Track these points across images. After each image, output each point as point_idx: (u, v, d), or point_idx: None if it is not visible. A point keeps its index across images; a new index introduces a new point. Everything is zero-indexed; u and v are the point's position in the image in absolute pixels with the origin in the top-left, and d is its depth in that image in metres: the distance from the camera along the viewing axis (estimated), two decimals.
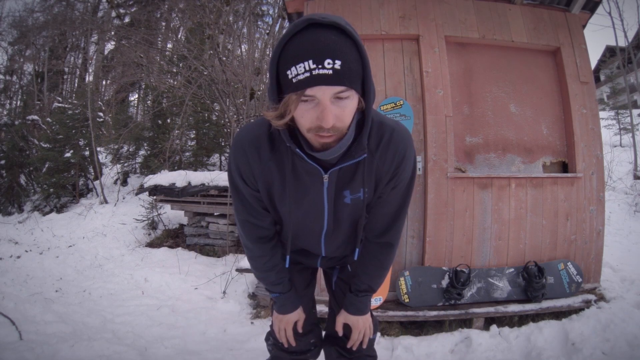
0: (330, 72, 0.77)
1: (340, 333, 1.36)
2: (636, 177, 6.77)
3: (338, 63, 0.78)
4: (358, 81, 0.83)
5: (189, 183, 4.83)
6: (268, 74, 0.87)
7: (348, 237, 1.25)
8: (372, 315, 1.41)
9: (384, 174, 1.06)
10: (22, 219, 6.86)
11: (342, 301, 1.37)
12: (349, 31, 0.82)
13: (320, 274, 1.64)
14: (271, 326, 1.48)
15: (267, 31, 10.40)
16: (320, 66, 0.77)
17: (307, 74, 0.77)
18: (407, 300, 2.68)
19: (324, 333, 1.58)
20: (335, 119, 0.83)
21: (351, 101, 0.84)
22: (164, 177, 5.02)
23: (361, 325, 1.33)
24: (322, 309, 2.56)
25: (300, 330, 1.38)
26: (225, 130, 7.31)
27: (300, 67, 0.78)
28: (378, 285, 1.31)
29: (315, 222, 1.17)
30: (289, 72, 0.80)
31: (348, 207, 1.12)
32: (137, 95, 12.78)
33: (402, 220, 1.20)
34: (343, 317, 1.34)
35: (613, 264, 3.55)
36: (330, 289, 1.52)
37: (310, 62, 0.77)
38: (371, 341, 1.43)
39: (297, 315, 1.37)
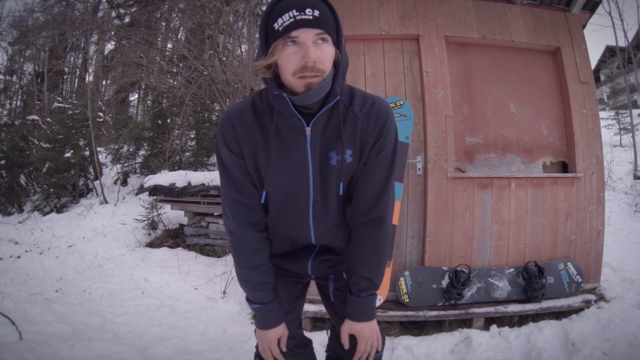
0: (311, 17, 0.92)
1: (347, 346, 1.21)
2: (636, 177, 6.77)
3: (317, 12, 0.92)
4: (333, 32, 0.96)
5: (189, 183, 4.83)
6: (257, 35, 0.99)
7: (337, 215, 1.17)
8: (379, 327, 1.27)
9: (369, 135, 1.09)
10: (22, 219, 6.86)
11: (343, 311, 1.24)
12: None
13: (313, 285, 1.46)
14: (257, 347, 1.29)
15: None
16: (302, 13, 0.91)
17: (292, 20, 0.91)
18: (407, 300, 2.69)
19: (325, 355, 1.44)
20: (317, 59, 0.93)
21: (329, 46, 0.96)
22: (164, 177, 5.02)
23: (367, 334, 1.18)
24: (320, 308, 2.56)
25: (284, 348, 1.21)
26: None
27: (285, 16, 0.92)
28: (379, 277, 1.19)
29: (301, 186, 1.10)
30: (275, 24, 0.93)
31: (334, 170, 1.09)
32: (137, 95, 12.79)
33: (390, 192, 1.15)
34: (347, 327, 1.21)
35: (613, 264, 3.55)
36: (328, 303, 1.36)
37: (294, 10, 0.91)
38: (378, 357, 1.26)
39: (281, 332, 1.20)
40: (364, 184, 1.13)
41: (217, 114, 7.67)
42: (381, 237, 1.15)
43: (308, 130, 1.05)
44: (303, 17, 0.91)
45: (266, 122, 1.07)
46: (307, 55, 0.92)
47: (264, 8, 10.98)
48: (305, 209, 1.14)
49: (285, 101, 1.00)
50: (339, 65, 1.02)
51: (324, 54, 0.95)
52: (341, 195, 1.12)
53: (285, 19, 0.91)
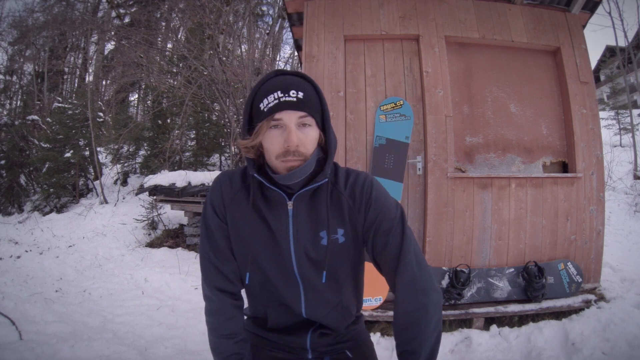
0: (295, 99, 0.93)
1: None
2: (636, 177, 6.77)
3: (301, 94, 0.94)
4: (317, 114, 0.97)
5: (189, 183, 4.83)
6: (242, 113, 0.99)
7: (337, 293, 1.07)
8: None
9: (357, 211, 1.04)
10: (22, 219, 6.86)
11: None
12: (309, 77, 1.00)
13: None
14: None
15: (267, 31, 10.41)
16: (286, 94, 0.93)
17: (276, 101, 0.92)
18: None
19: None
20: (299, 142, 0.94)
21: (312, 129, 0.97)
22: (164, 177, 5.03)
23: None
24: None
25: None
26: (226, 130, 7.32)
27: (270, 97, 0.93)
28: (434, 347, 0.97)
29: (283, 262, 1.03)
30: (261, 105, 0.94)
31: (324, 249, 1.02)
32: (137, 96, 12.81)
33: (412, 254, 1.00)
34: None
35: (613, 264, 3.56)
36: None
37: (279, 92, 0.93)
38: None
39: None
40: (385, 254, 1.02)
41: (217, 113, 7.67)
42: (419, 297, 0.98)
43: (290, 204, 1.02)
44: (287, 99, 0.92)
45: (252, 190, 1.05)
46: (289, 139, 0.92)
47: (263, 8, 10.99)
48: (294, 283, 1.06)
49: (260, 181, 1.01)
50: (327, 147, 1.02)
51: (306, 137, 0.95)
52: (331, 274, 1.04)
53: (270, 99, 0.93)
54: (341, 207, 1.04)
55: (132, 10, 12.00)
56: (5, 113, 11.58)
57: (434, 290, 0.98)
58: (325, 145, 1.03)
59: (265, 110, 0.93)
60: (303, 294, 1.06)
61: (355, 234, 1.05)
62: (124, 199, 7.03)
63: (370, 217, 1.03)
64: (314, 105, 0.96)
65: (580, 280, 2.82)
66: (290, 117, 0.93)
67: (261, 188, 1.04)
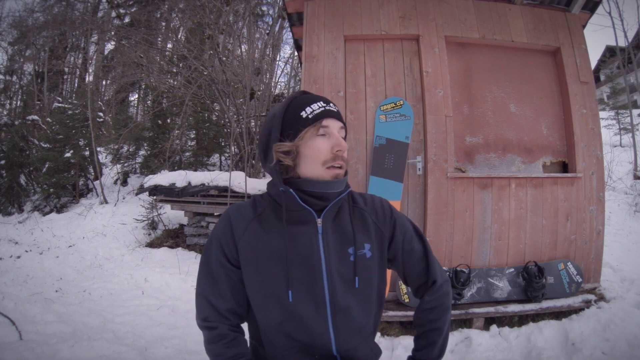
0: (336, 110, 1.00)
1: None
2: (636, 177, 6.77)
3: (336, 108, 1.02)
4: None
5: (189, 183, 4.83)
6: (272, 122, 0.99)
7: (362, 316, 1.01)
8: None
9: (381, 225, 1.07)
10: (22, 219, 6.86)
11: None
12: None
13: None
14: None
15: (267, 31, 10.41)
16: (328, 105, 1.00)
17: (322, 109, 0.98)
18: (407, 300, 2.69)
19: None
20: (346, 147, 0.99)
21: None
22: (164, 177, 5.02)
23: None
24: None
25: None
26: (226, 130, 7.32)
27: (315, 105, 0.98)
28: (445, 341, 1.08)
29: (314, 282, 0.97)
30: (303, 112, 0.97)
31: (352, 265, 1.00)
32: (137, 96, 12.80)
33: (434, 260, 1.11)
34: None
35: (613, 263, 3.55)
36: None
37: (322, 102, 0.99)
38: None
39: None
40: (410, 265, 1.09)
41: (217, 113, 7.67)
42: (441, 298, 1.08)
43: (319, 221, 0.99)
44: (330, 108, 0.99)
45: (268, 217, 1.01)
46: (340, 144, 0.97)
47: (264, 8, 10.98)
48: (322, 308, 0.97)
49: (292, 197, 0.97)
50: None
51: (345, 145, 1.00)
52: (361, 291, 1.01)
53: (315, 107, 0.97)
54: (366, 222, 1.06)
55: (132, 10, 12.00)
56: (5, 113, 11.58)
57: (450, 293, 1.11)
58: None
59: (310, 117, 0.96)
60: (331, 322, 0.97)
61: (381, 247, 1.05)
62: (124, 199, 7.03)
63: (397, 233, 1.08)
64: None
65: (580, 280, 2.82)
66: (335, 125, 0.98)
67: (288, 207, 0.99)
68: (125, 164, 8.01)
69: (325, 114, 0.97)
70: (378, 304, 1.06)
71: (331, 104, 1.00)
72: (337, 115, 0.99)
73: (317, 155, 0.96)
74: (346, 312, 0.98)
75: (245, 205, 1.05)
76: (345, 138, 1.03)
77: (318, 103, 0.98)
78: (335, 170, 0.97)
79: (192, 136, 7.82)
